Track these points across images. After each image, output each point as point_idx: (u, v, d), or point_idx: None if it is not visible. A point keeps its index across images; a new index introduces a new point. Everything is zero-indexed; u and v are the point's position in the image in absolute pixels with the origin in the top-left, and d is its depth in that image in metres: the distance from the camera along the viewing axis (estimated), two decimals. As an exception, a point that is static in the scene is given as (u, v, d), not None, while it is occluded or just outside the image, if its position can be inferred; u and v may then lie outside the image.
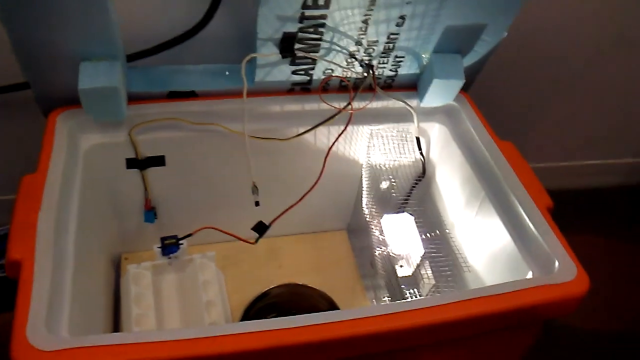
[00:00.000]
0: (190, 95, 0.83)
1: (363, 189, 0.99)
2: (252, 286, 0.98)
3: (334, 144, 0.86)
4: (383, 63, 0.84)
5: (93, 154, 0.80)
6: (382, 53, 0.82)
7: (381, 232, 0.91)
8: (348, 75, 0.85)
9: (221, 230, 0.78)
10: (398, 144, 0.92)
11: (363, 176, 0.99)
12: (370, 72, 0.83)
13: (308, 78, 0.84)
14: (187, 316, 0.88)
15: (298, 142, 0.87)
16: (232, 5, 0.81)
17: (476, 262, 0.85)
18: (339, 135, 0.86)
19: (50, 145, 0.73)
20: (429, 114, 0.90)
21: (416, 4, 0.74)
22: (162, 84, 0.82)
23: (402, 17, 0.76)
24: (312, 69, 0.82)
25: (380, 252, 0.93)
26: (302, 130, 0.86)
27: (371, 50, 0.81)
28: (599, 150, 1.49)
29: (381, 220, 0.92)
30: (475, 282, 0.85)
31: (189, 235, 0.82)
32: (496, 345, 0.78)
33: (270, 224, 0.80)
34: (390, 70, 0.86)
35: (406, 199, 0.97)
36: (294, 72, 0.82)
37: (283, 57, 0.78)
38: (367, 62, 0.83)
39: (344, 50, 0.80)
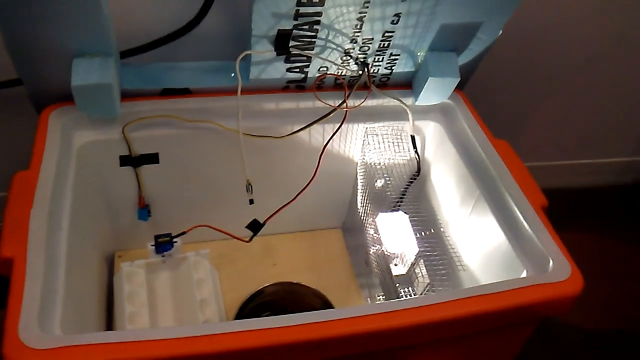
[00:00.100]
0: (184, 92, 0.83)
1: (358, 187, 0.99)
2: (246, 284, 0.98)
3: (328, 142, 0.86)
4: (378, 61, 0.84)
5: (86, 151, 0.80)
6: (377, 51, 0.82)
7: (376, 231, 0.91)
8: (343, 73, 0.84)
9: (215, 229, 0.78)
10: (393, 142, 0.92)
11: (358, 174, 0.99)
12: (365, 70, 0.83)
13: (303, 76, 0.84)
14: (181, 314, 0.88)
15: (293, 140, 0.87)
16: (226, 2, 0.81)
17: (471, 260, 0.85)
18: (334, 133, 0.86)
19: (43, 142, 0.73)
20: (424, 112, 0.90)
21: (412, 2, 0.74)
22: (155, 81, 0.81)
23: (398, 15, 0.76)
24: (307, 66, 0.82)
25: (374, 250, 0.93)
26: (296, 128, 0.85)
27: (366, 48, 0.81)
28: (593, 149, 1.49)
29: (376, 219, 0.92)
30: (470, 281, 0.85)
31: (183, 233, 0.81)
32: (490, 344, 0.78)
33: (265, 222, 0.80)
34: (386, 68, 0.86)
35: (401, 198, 0.97)
36: (288, 70, 0.82)
37: (278, 54, 0.78)
38: (362, 60, 0.83)
39: (339, 48, 0.80)
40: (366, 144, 0.93)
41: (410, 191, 0.97)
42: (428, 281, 0.87)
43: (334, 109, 0.83)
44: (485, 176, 0.81)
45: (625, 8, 1.12)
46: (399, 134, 0.92)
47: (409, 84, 0.89)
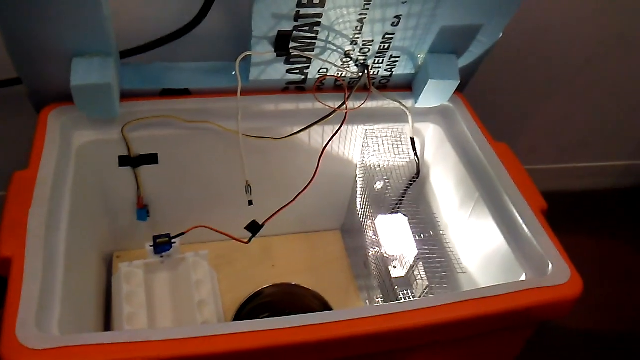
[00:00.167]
0: (184, 92, 0.83)
1: (357, 189, 0.99)
2: (245, 285, 0.98)
3: (328, 143, 0.86)
4: (378, 63, 0.84)
5: (85, 151, 0.79)
6: (378, 53, 0.82)
7: (375, 233, 0.91)
8: (343, 75, 0.84)
9: (214, 229, 0.78)
10: (392, 144, 0.91)
11: (357, 176, 0.99)
12: (365, 71, 0.83)
13: (303, 77, 0.84)
14: (179, 315, 0.88)
15: (292, 142, 0.87)
16: (226, 3, 0.81)
17: (470, 263, 0.85)
18: (334, 135, 0.86)
19: (42, 142, 0.73)
20: (423, 115, 0.90)
21: (412, 4, 0.74)
22: (155, 82, 0.81)
23: (398, 17, 0.76)
24: (307, 67, 0.82)
25: (373, 252, 0.92)
26: (296, 129, 0.85)
27: (366, 49, 0.81)
28: (592, 152, 1.49)
29: (375, 221, 0.92)
30: (469, 283, 0.85)
31: (182, 233, 0.81)
32: (489, 347, 0.77)
33: (264, 223, 0.80)
34: (386, 70, 0.86)
35: (400, 200, 0.97)
36: (288, 71, 0.82)
37: (278, 55, 0.78)
38: (362, 61, 0.83)
39: (339, 50, 0.80)
40: (366, 146, 0.93)
41: (409, 193, 0.97)
42: (427, 283, 0.86)
43: (334, 111, 0.83)
44: (485, 179, 0.81)
45: (624, 8, 1.12)
46: (398, 136, 0.92)
47: (408, 86, 0.89)
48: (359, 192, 0.98)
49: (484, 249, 0.80)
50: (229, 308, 0.95)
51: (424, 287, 0.87)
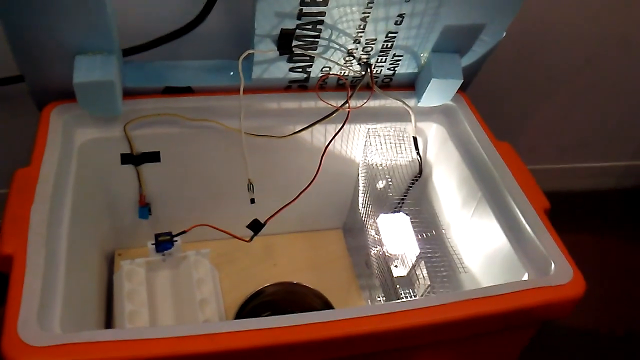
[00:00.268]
0: (187, 91, 0.82)
1: (359, 188, 0.99)
2: (246, 284, 0.97)
3: (330, 142, 0.86)
4: (381, 61, 0.84)
5: (87, 148, 0.79)
6: (381, 51, 0.82)
7: (377, 232, 0.91)
8: (346, 74, 0.84)
9: (216, 228, 0.78)
10: (395, 143, 0.91)
11: (359, 175, 0.99)
12: (368, 70, 0.83)
13: (305, 75, 0.83)
14: (181, 313, 0.88)
15: (295, 140, 0.87)
16: (229, 1, 0.81)
17: (472, 263, 0.85)
18: (336, 134, 0.86)
19: (44, 139, 0.73)
20: (426, 114, 0.90)
21: (415, 3, 0.73)
22: (158, 79, 0.81)
23: (401, 16, 0.76)
24: (310, 66, 0.82)
25: (375, 251, 0.92)
26: (298, 128, 0.85)
27: (369, 48, 0.81)
28: (593, 152, 1.49)
29: (377, 220, 0.92)
30: (471, 283, 0.84)
31: (184, 232, 0.81)
32: (491, 346, 0.77)
33: (266, 222, 0.80)
34: (388, 69, 0.86)
35: (402, 199, 0.97)
36: (291, 70, 0.82)
37: (281, 54, 0.78)
38: (365, 60, 0.83)
39: (342, 48, 0.80)
40: (368, 145, 0.93)
41: (411, 192, 0.97)
42: (429, 283, 0.86)
43: (336, 109, 0.83)
44: (487, 178, 0.81)
45: (625, 9, 1.12)
46: (401, 135, 0.92)
47: (411, 85, 0.89)
48: (361, 191, 0.98)
49: (486, 248, 0.80)
50: (230, 307, 0.95)
51: (426, 286, 0.87)
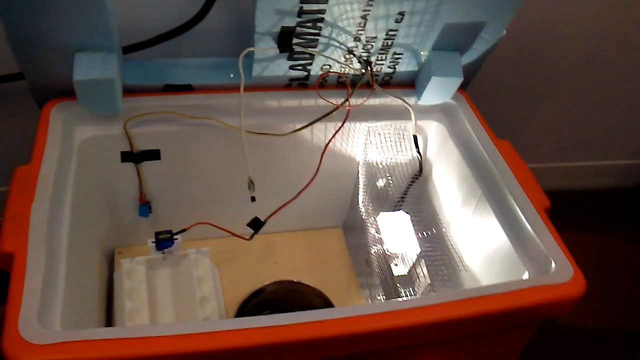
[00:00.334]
0: (187, 88, 0.82)
1: (359, 186, 0.99)
2: (246, 282, 0.98)
3: (330, 140, 0.86)
4: (381, 60, 0.84)
5: (87, 146, 0.79)
6: (381, 49, 0.82)
7: (377, 230, 0.91)
8: (346, 72, 0.84)
9: (216, 226, 0.78)
10: (395, 142, 0.91)
11: (359, 173, 0.98)
12: (368, 68, 0.83)
13: (305, 73, 0.83)
14: (181, 311, 0.88)
15: (295, 138, 0.87)
16: (230, -1, 0.81)
17: (472, 261, 0.85)
18: (336, 132, 0.86)
19: (44, 137, 0.73)
20: (426, 112, 0.90)
21: (416, 0, 0.73)
22: (158, 77, 0.81)
23: (402, 14, 0.75)
24: (310, 64, 0.82)
25: (375, 250, 0.92)
26: (299, 126, 0.85)
27: (369, 46, 0.81)
28: (594, 151, 1.49)
29: (377, 218, 0.92)
30: (471, 281, 0.85)
31: (184, 230, 0.81)
32: (491, 345, 0.77)
33: (266, 220, 0.80)
34: (389, 67, 0.86)
35: (402, 197, 0.97)
36: (291, 67, 0.82)
37: (281, 51, 0.78)
38: (365, 58, 0.83)
39: (342, 46, 0.79)
40: (368, 143, 0.93)
41: (411, 191, 0.97)
42: (429, 281, 0.86)
43: (337, 107, 0.83)
44: (488, 176, 0.81)
45: (626, 9, 1.12)
46: (401, 133, 0.92)
47: (411, 83, 0.89)
48: (361, 190, 0.98)
49: (487, 247, 0.80)
50: (230, 305, 0.95)
51: (426, 285, 0.87)
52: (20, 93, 0.85)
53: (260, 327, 0.57)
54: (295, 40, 0.77)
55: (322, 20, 0.74)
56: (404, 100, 0.87)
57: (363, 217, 0.96)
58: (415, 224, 0.91)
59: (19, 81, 0.86)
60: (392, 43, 0.81)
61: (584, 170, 1.53)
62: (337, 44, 0.79)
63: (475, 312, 0.62)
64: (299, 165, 0.88)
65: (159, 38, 0.82)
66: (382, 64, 0.85)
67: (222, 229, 0.78)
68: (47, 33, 0.68)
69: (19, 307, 0.55)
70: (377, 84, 0.85)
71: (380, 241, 0.90)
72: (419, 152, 0.92)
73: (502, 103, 1.26)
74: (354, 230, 1.07)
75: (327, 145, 0.85)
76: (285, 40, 0.76)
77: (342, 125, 0.84)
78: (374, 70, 0.85)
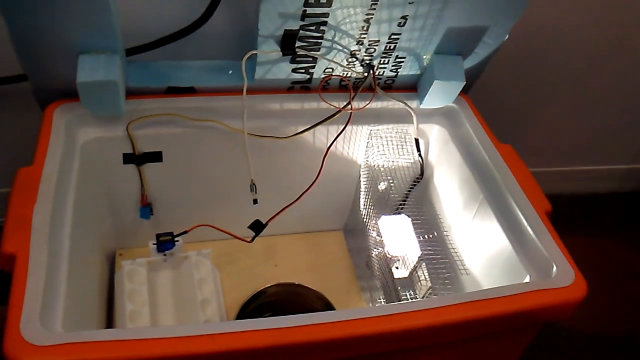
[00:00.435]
0: (189, 91, 0.83)
1: (361, 189, 0.99)
2: (247, 285, 0.98)
3: (332, 143, 0.86)
4: (384, 63, 0.84)
5: (90, 148, 0.79)
6: (383, 53, 0.82)
7: (378, 233, 0.91)
8: (348, 75, 0.84)
9: (217, 228, 0.78)
10: (397, 145, 0.91)
11: (361, 176, 0.99)
12: (371, 72, 0.83)
13: (308, 76, 0.84)
14: (182, 313, 0.88)
15: (297, 141, 0.87)
16: (233, 1, 0.81)
17: (473, 265, 0.85)
18: (338, 135, 0.86)
19: (47, 139, 0.73)
20: (428, 116, 0.90)
21: (419, 5, 0.73)
22: (161, 79, 0.81)
23: (405, 17, 0.76)
24: (313, 67, 0.82)
25: (376, 253, 0.92)
26: (301, 128, 0.85)
27: (372, 50, 0.81)
28: (595, 155, 1.49)
29: (378, 221, 0.92)
30: (472, 285, 0.84)
31: (185, 232, 0.81)
32: (492, 348, 0.77)
33: (267, 222, 0.80)
34: (391, 70, 0.86)
35: (404, 201, 0.97)
36: (294, 70, 0.82)
37: (284, 54, 0.78)
38: (367, 62, 0.83)
39: (345, 50, 0.80)
40: (370, 146, 0.93)
41: (413, 194, 0.97)
42: (430, 285, 0.86)
43: (339, 111, 0.83)
44: (489, 180, 0.81)
45: (627, 13, 1.12)
46: (403, 136, 0.92)
47: (414, 87, 0.89)
48: (362, 193, 0.98)
49: (488, 250, 0.80)
50: (231, 307, 0.95)
51: (427, 288, 0.87)
52: (23, 94, 0.85)
53: (261, 329, 0.57)
54: (298, 44, 0.77)
55: (325, 23, 0.74)
56: (406, 104, 0.87)
57: (364, 220, 0.96)
58: (417, 227, 0.91)
59: (22, 83, 0.86)
60: (395, 47, 0.81)
61: (585, 174, 1.53)
62: (340, 47, 0.79)
63: (476, 316, 0.62)
64: (301, 167, 0.88)
65: (162, 40, 0.82)
66: (385, 68, 0.85)
67: (223, 231, 0.78)
68: (50, 35, 0.68)
69: (21, 309, 0.55)
70: (379, 88, 0.86)
71: (381, 244, 0.90)
72: (420, 155, 0.92)
73: (504, 107, 1.26)
74: (355, 233, 1.07)
75: (329, 148, 0.85)
76: (288, 43, 0.76)
77: (344, 128, 0.84)
78: (377, 73, 0.85)
